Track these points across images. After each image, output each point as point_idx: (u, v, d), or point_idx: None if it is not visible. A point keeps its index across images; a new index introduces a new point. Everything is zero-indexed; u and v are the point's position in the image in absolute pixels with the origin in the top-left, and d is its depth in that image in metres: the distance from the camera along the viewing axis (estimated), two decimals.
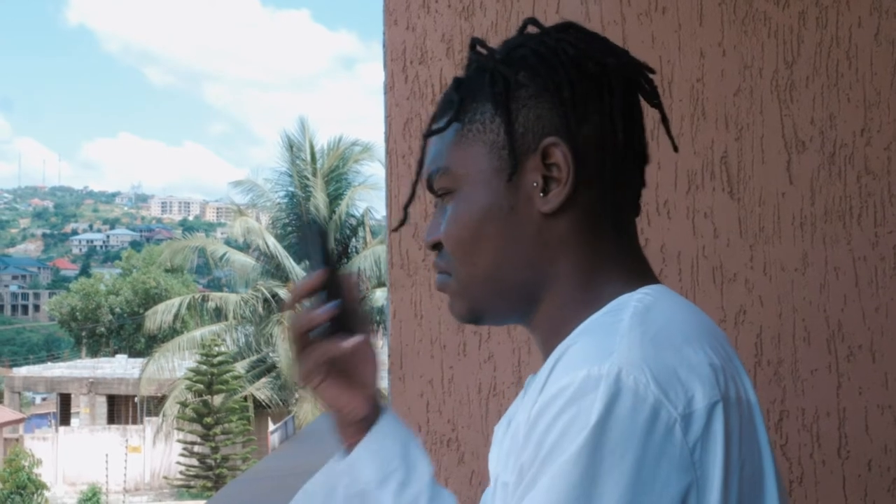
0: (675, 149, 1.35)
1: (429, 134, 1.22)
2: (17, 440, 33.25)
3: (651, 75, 1.24)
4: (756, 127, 2.40)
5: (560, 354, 1.06)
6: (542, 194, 1.15)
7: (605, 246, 1.18)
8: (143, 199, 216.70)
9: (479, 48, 1.25)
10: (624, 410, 0.97)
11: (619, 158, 1.18)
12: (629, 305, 1.10)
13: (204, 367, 26.30)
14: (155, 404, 31.38)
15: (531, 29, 1.26)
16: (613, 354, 1.01)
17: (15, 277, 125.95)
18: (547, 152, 1.15)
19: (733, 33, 2.41)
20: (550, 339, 1.16)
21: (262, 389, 27.37)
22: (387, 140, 2.45)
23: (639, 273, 1.19)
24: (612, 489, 0.96)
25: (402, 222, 1.41)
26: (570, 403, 0.99)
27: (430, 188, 1.24)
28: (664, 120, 1.28)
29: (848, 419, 2.34)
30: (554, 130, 1.15)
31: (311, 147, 29.04)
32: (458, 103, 1.19)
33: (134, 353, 50.40)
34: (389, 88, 2.45)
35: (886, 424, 2.33)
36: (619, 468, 0.96)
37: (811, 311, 2.36)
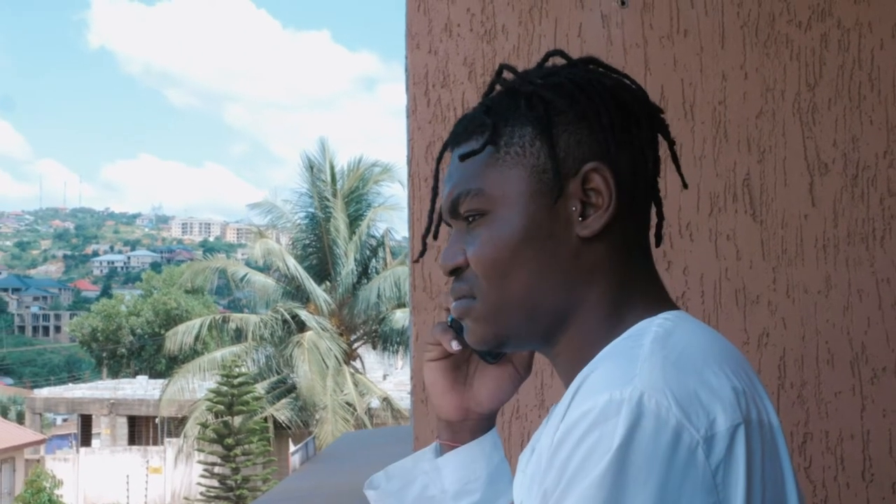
0: (685, 185, 1.37)
1: (463, 157, 1.21)
2: (38, 461, 33.34)
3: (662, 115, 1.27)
4: (778, 149, 2.40)
5: (582, 380, 1.07)
6: (580, 219, 1.17)
7: (632, 272, 1.20)
8: (163, 220, 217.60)
9: (507, 73, 1.26)
10: (646, 434, 0.98)
11: (647, 187, 1.21)
12: (650, 331, 1.11)
13: (224, 388, 26.31)
14: (175, 425, 31.41)
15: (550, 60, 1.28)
16: (635, 379, 1.02)
17: (36, 299, 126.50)
18: (588, 177, 1.16)
19: (755, 56, 2.42)
20: (573, 364, 1.17)
21: (282, 410, 27.36)
22: (409, 163, 2.47)
23: (659, 299, 1.21)
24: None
25: (422, 253, 1.40)
26: (593, 428, 1.00)
27: (454, 211, 1.23)
28: (674, 158, 1.30)
29: (872, 442, 2.33)
30: (593, 156, 1.17)
31: (332, 168, 29.11)
32: (492, 126, 1.20)
33: (154, 374, 50.50)
34: (412, 112, 2.47)
35: None
36: (644, 492, 0.97)
37: (834, 333, 2.35)
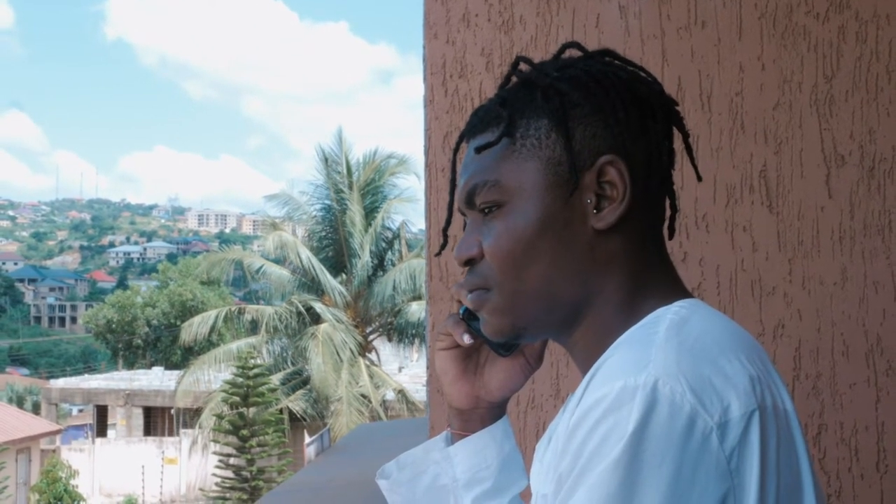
0: (699, 178, 1.37)
1: (479, 149, 1.22)
2: (53, 451, 33.49)
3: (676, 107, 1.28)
4: (795, 141, 2.40)
5: (598, 367, 1.08)
6: (595, 211, 1.18)
7: (647, 263, 1.21)
8: (179, 211, 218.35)
9: (523, 65, 1.27)
10: (661, 420, 0.99)
11: (662, 179, 1.23)
12: (665, 318, 1.12)
13: (240, 379, 26.37)
14: (191, 416, 31.52)
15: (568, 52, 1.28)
16: (650, 365, 1.03)
17: (52, 289, 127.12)
18: (603, 170, 1.18)
19: (773, 47, 2.42)
20: (590, 353, 1.18)
21: (297, 402, 27.42)
22: (426, 153, 2.48)
23: (675, 289, 1.22)
24: (650, 498, 0.97)
25: (444, 246, 1.39)
26: (608, 414, 1.01)
27: (469, 202, 1.24)
28: (689, 150, 1.31)
29: (886, 433, 2.33)
30: (608, 149, 1.18)
31: (347, 160, 29.13)
32: (507, 118, 1.21)
33: (170, 366, 50.68)
34: (429, 102, 2.48)
35: None
36: (658, 477, 0.98)
37: (850, 325, 2.35)
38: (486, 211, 1.22)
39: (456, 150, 1.30)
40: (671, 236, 1.28)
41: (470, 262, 1.25)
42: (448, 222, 1.34)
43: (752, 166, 2.40)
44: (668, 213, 1.27)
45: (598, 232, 1.18)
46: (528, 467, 1.40)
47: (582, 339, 1.21)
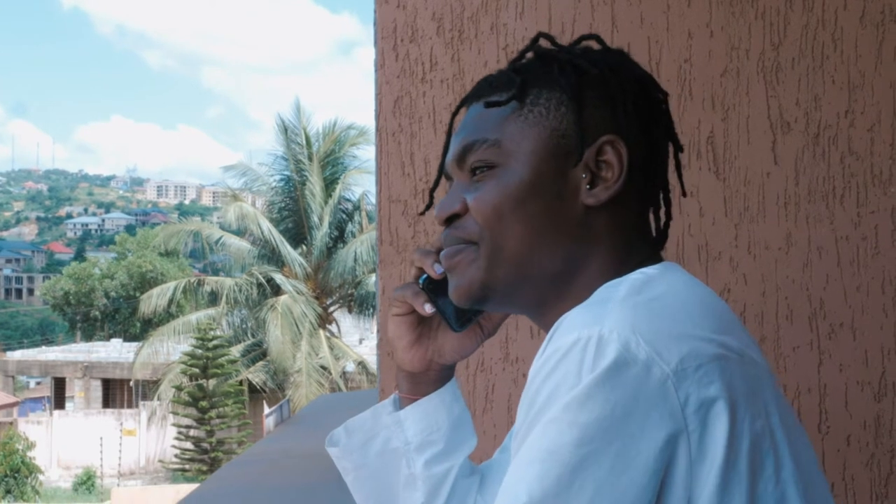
0: (684, 193, 1.38)
1: (489, 105, 1.24)
2: (10, 424, 33.26)
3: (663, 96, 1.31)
4: (742, 108, 2.42)
5: (558, 325, 1.08)
6: (588, 187, 1.20)
7: (632, 248, 1.23)
8: (138, 182, 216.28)
9: (543, 41, 1.29)
10: (614, 368, 1.00)
11: (658, 177, 1.26)
12: (629, 279, 1.14)
13: (199, 350, 26.32)
14: (150, 388, 31.41)
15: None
16: (605, 319, 1.04)
17: (9, 261, 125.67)
18: (602, 149, 1.20)
19: (721, 14, 2.44)
20: None
21: (257, 373, 27.41)
22: (377, 118, 2.48)
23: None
24: (595, 431, 0.99)
25: (428, 206, 1.39)
26: (560, 364, 1.02)
27: (462, 160, 1.25)
28: (677, 165, 1.34)
29: (828, 395, 2.37)
30: (612, 130, 1.20)
31: (306, 131, 29.00)
32: (520, 84, 1.22)
33: (129, 337, 50.43)
34: (380, 66, 2.48)
35: (865, 400, 2.36)
36: (606, 416, 0.99)
37: (794, 289, 2.39)
38: (477, 172, 1.23)
39: (455, 114, 1.32)
40: (662, 244, 1.29)
41: (451, 220, 1.25)
42: (436, 183, 1.35)
43: (700, 133, 2.43)
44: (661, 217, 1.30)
45: (588, 209, 1.20)
46: (477, 429, 1.42)
47: (558, 317, 1.17)
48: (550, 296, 1.22)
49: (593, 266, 1.20)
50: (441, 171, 1.31)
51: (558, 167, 1.20)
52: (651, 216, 1.28)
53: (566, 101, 1.20)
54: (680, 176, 1.36)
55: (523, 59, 1.28)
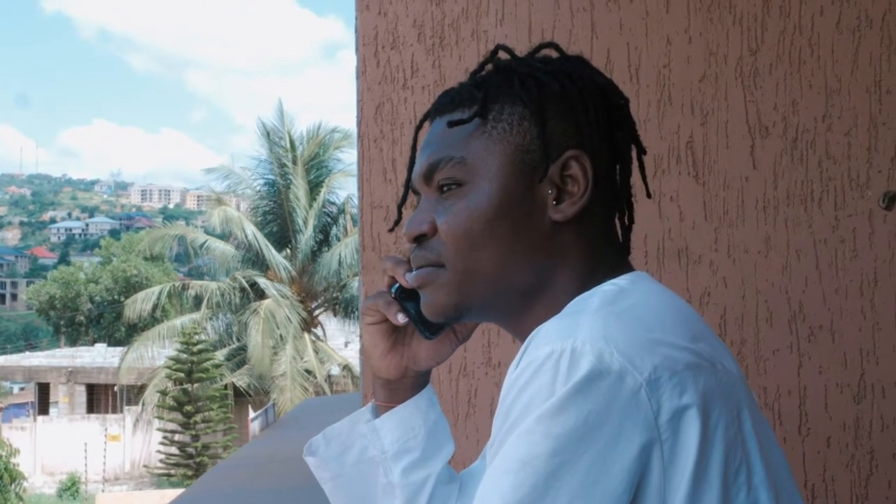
0: (649, 195, 1.38)
1: (451, 124, 1.23)
2: None
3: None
4: (721, 112, 2.44)
5: (532, 337, 1.08)
6: (554, 203, 1.20)
7: (602, 258, 1.23)
8: (122, 186, 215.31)
9: (502, 53, 1.28)
10: (587, 380, 1.00)
11: (622, 185, 1.26)
12: (601, 290, 1.14)
13: (184, 355, 26.25)
14: (135, 393, 31.29)
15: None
16: (578, 331, 1.04)
17: None
18: (567, 164, 1.20)
19: (699, 20, 2.46)
20: None
21: (241, 377, 27.34)
22: (358, 124, 2.49)
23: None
24: (569, 441, 0.99)
25: (397, 222, 1.38)
26: (534, 377, 1.02)
27: (429, 177, 1.24)
28: (641, 168, 1.33)
29: (808, 397, 2.39)
30: (576, 144, 1.20)
31: (290, 134, 28.95)
32: (482, 99, 1.22)
33: (113, 342, 50.14)
34: (361, 73, 2.49)
35: (845, 402, 2.38)
36: (580, 427, 0.99)
37: (773, 292, 2.41)
38: (445, 189, 1.23)
39: (418, 128, 1.31)
40: (628, 249, 1.29)
41: (420, 239, 1.25)
42: (404, 199, 1.34)
43: (679, 137, 2.45)
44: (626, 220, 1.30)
45: (555, 223, 1.20)
46: (455, 436, 1.43)
47: (532, 328, 1.17)
48: (522, 308, 1.22)
49: (563, 278, 1.21)
50: (407, 186, 1.30)
51: (525, 183, 1.19)
52: (616, 221, 1.29)
53: (528, 115, 1.20)
54: (644, 178, 1.36)
55: (483, 71, 1.27)
